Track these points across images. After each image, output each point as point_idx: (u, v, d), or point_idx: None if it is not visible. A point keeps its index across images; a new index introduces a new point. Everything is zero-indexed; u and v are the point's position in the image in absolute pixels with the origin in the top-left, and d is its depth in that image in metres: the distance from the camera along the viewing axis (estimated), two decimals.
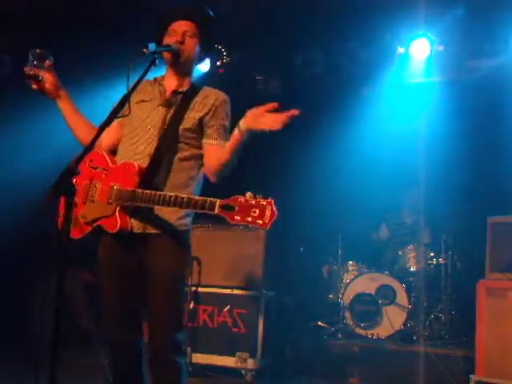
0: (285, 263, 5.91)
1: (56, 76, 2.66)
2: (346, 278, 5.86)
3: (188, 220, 2.65)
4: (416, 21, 5.52)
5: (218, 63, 6.37)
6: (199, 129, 2.67)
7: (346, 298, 5.67)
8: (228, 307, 4.91)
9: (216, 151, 2.63)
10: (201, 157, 2.70)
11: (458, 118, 5.79)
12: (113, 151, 2.74)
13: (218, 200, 2.25)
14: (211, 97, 2.71)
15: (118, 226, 2.46)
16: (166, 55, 2.66)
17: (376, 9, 5.35)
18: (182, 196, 2.36)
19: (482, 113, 5.81)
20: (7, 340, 5.29)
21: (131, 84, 2.44)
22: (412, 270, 5.78)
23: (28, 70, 2.61)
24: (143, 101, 2.70)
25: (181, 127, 2.63)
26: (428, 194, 5.87)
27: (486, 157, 5.90)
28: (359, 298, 5.60)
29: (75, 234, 2.57)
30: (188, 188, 2.63)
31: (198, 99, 2.70)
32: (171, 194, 2.38)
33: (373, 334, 5.45)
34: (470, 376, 4.39)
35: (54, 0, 5.33)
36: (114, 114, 2.40)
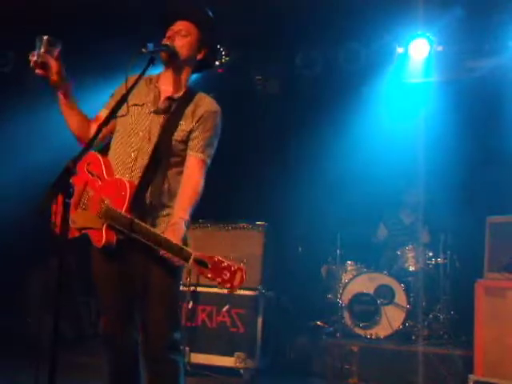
0: (283, 263, 5.91)
1: (62, 65, 2.57)
2: (345, 278, 5.87)
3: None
4: (415, 21, 5.54)
5: (218, 63, 6.37)
6: (188, 140, 2.65)
7: (345, 297, 5.68)
8: (227, 307, 4.91)
9: (200, 168, 2.63)
10: None
11: (457, 117, 5.80)
12: (104, 142, 2.74)
13: (193, 253, 2.30)
14: (202, 107, 2.68)
15: (103, 242, 2.46)
16: (163, 55, 2.64)
17: (375, 9, 5.36)
18: (162, 236, 2.37)
19: (480, 112, 5.82)
20: (7, 340, 5.30)
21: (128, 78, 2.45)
22: (411, 269, 5.79)
23: (36, 56, 2.49)
24: (136, 105, 2.66)
25: (173, 138, 2.61)
26: (427, 193, 5.88)
27: (484, 157, 5.91)
28: (358, 297, 5.60)
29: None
30: None
31: (190, 108, 2.67)
32: (153, 231, 2.39)
33: (371, 334, 5.45)
34: (469, 376, 4.40)
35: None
36: (113, 113, 2.40)
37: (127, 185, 2.49)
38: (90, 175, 2.59)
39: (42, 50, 2.49)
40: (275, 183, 6.25)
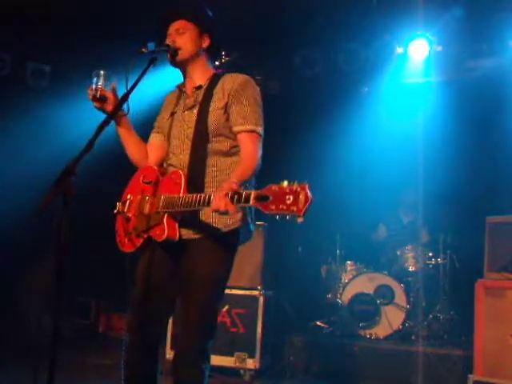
0: (283, 263, 5.91)
1: (117, 97, 2.63)
2: (345, 278, 5.87)
3: (238, 216, 2.55)
4: (414, 21, 5.54)
5: (217, 63, 6.37)
6: (228, 119, 2.59)
7: (345, 297, 5.68)
8: (226, 307, 4.91)
9: (247, 140, 2.54)
10: None
11: (456, 117, 5.80)
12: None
13: (253, 191, 2.15)
14: (229, 82, 2.64)
15: (165, 234, 2.43)
16: (169, 57, 2.66)
17: (375, 9, 5.36)
18: (210, 194, 2.29)
19: (480, 112, 5.82)
20: (6, 340, 5.30)
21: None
22: (410, 269, 5.79)
23: (94, 90, 2.61)
24: (172, 113, 2.73)
25: (209, 123, 2.58)
26: (426, 193, 5.88)
27: (484, 156, 5.91)
28: (358, 297, 5.61)
29: (127, 248, 2.60)
30: None
31: (218, 88, 2.65)
32: (202, 195, 2.32)
33: (371, 334, 5.45)
34: (469, 376, 4.39)
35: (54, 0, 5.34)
36: (113, 113, 2.41)
37: (180, 172, 2.51)
38: (145, 184, 2.64)
39: (100, 84, 2.63)
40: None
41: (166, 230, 2.42)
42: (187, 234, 2.53)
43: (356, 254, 6.01)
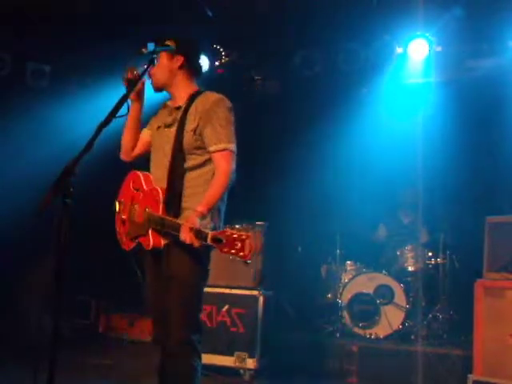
0: (283, 263, 5.91)
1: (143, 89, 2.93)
2: (345, 278, 5.87)
3: (205, 222, 2.69)
4: (414, 21, 5.53)
5: (217, 63, 6.38)
6: (200, 137, 2.77)
7: (345, 297, 5.68)
8: (226, 307, 4.92)
9: (220, 159, 2.73)
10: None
11: (456, 117, 5.80)
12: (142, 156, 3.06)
13: (210, 233, 2.42)
14: (201, 103, 2.80)
15: (150, 245, 2.69)
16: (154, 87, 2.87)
17: (375, 9, 5.37)
18: (181, 223, 2.55)
19: (479, 113, 5.82)
20: (6, 340, 5.30)
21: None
22: (410, 269, 5.79)
23: (130, 73, 2.76)
24: (158, 127, 2.92)
25: (184, 143, 2.76)
26: (426, 193, 5.88)
27: (484, 156, 5.91)
28: (357, 297, 5.61)
29: (126, 247, 2.89)
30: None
31: (191, 110, 2.81)
32: (176, 221, 2.59)
33: (371, 334, 5.46)
34: (468, 375, 4.39)
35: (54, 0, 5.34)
36: (113, 113, 2.41)
37: (159, 191, 2.73)
38: (135, 191, 2.89)
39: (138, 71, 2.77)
40: (275, 183, 6.25)
41: (152, 241, 2.70)
42: (165, 239, 2.73)
43: (356, 254, 6.01)
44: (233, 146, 2.76)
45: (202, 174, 2.78)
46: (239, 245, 2.33)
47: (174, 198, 2.73)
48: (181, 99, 2.87)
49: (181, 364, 2.68)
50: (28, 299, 5.86)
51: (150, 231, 2.69)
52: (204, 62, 6.19)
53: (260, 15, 5.67)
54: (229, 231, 2.37)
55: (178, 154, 2.76)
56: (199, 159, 2.78)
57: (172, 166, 2.77)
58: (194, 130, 2.75)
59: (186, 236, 2.47)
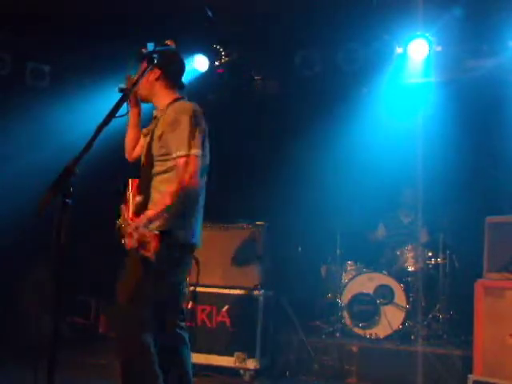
0: (283, 263, 5.91)
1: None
2: (345, 278, 5.87)
3: (154, 226, 2.75)
4: (414, 21, 5.53)
5: (217, 63, 6.37)
6: (165, 144, 2.86)
7: (345, 297, 5.68)
8: (226, 307, 4.92)
9: (181, 166, 2.80)
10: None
11: (456, 117, 5.80)
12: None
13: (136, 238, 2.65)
14: (171, 111, 2.89)
15: (129, 246, 2.79)
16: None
17: (375, 9, 5.36)
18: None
19: (479, 113, 5.82)
20: (6, 340, 5.30)
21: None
22: (410, 269, 5.79)
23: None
24: (145, 135, 3.06)
25: (153, 151, 2.91)
26: (426, 193, 5.88)
27: (483, 156, 5.91)
28: (357, 297, 5.61)
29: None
30: None
31: (162, 118, 2.92)
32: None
33: (371, 334, 5.46)
34: (468, 376, 4.39)
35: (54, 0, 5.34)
36: (112, 114, 2.41)
37: (131, 198, 2.94)
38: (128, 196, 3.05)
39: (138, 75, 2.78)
40: (275, 183, 6.25)
41: (128, 242, 2.81)
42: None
43: (356, 254, 6.01)
44: (196, 151, 2.80)
45: (167, 179, 2.86)
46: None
47: (142, 203, 2.87)
48: (160, 110, 2.99)
49: (130, 344, 2.85)
50: (28, 299, 5.86)
51: (127, 234, 2.83)
52: (204, 62, 6.20)
53: (260, 15, 5.66)
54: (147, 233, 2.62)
55: (148, 161, 2.92)
56: (165, 165, 2.87)
57: (143, 172, 2.96)
58: (160, 137, 2.86)
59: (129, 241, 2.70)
